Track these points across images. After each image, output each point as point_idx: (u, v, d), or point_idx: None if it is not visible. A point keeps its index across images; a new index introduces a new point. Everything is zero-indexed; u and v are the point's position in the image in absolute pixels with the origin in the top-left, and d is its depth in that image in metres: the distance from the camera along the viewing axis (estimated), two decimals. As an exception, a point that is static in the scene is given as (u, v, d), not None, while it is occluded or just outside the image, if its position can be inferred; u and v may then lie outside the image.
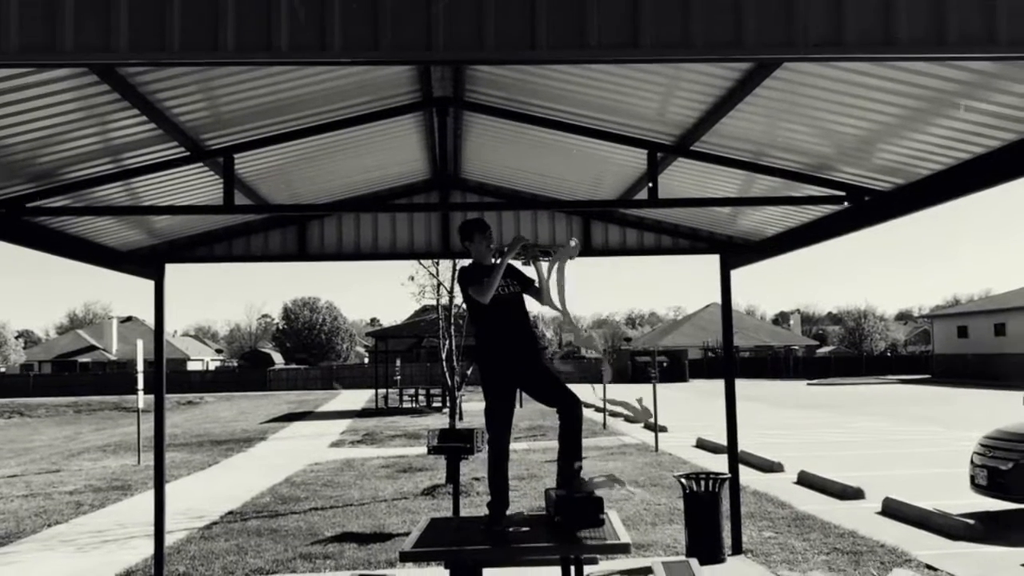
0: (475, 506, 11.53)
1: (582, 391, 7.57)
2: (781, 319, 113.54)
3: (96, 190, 6.46)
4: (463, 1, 3.21)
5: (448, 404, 18.99)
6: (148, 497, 13.02)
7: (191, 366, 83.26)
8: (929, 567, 8.35)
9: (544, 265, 6.32)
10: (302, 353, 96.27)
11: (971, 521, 9.71)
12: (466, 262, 6.60)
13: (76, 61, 3.33)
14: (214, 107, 5.55)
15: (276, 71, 5.06)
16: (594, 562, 6.65)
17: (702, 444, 19.50)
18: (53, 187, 6.13)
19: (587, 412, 29.64)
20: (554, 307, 6.20)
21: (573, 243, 6.30)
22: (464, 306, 6.59)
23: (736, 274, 9.38)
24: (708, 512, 8.75)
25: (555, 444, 6.26)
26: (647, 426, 23.85)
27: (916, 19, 3.24)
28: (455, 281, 15.33)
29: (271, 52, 3.21)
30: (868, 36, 3.25)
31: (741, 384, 21.51)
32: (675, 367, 63.71)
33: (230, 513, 12.36)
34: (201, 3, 3.18)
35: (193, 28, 3.17)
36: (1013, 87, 4.26)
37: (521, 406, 29.40)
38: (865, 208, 6.46)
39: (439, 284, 17.33)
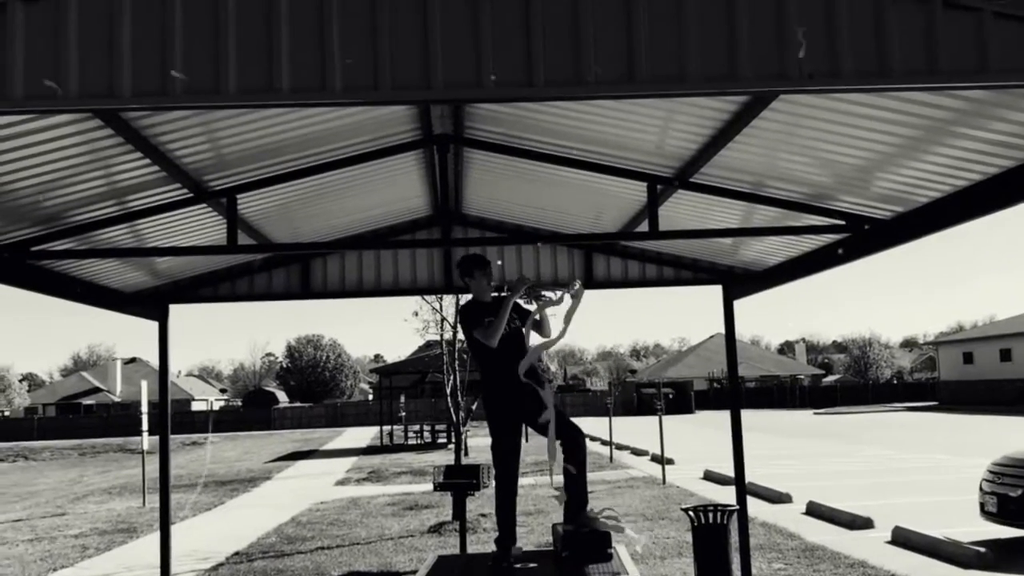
0: (482, 543, 11.45)
1: (585, 424, 7.54)
2: (786, 348, 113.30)
3: (100, 233, 6.50)
4: (461, 41, 3.25)
5: (453, 440, 18.92)
6: (154, 539, 12.95)
7: (195, 406, 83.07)
8: (941, 597, 8.28)
9: (549, 308, 6.33)
10: (307, 391, 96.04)
11: (982, 549, 9.62)
12: (466, 297, 6.61)
13: (80, 107, 3.38)
14: (216, 148, 5.60)
15: (277, 112, 5.11)
16: (603, 597, 6.59)
17: (709, 476, 19.39)
18: (58, 230, 6.17)
19: (593, 446, 29.16)
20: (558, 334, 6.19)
21: (577, 285, 6.29)
22: (467, 341, 6.58)
23: (740, 304, 9.39)
24: (717, 545, 8.66)
25: (561, 479, 6.24)
26: (654, 459, 23.73)
27: (909, 49, 3.28)
28: (457, 315, 15.34)
29: (272, 94, 3.25)
30: (862, 67, 3.29)
31: (747, 415, 21.46)
32: (681, 399, 63.51)
33: (236, 554, 12.28)
34: (202, 47, 3.22)
35: (195, 72, 3.22)
36: (1008, 115, 4.30)
37: (527, 440, 29.27)
38: (866, 237, 6.48)
39: (443, 319, 17.36)
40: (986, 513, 10.74)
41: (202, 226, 7.30)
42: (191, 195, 6.24)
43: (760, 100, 4.68)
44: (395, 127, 6.23)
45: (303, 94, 3.26)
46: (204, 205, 6.53)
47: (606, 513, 6.05)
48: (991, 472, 10.85)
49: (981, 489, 10.90)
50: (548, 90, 3.29)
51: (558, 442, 6.13)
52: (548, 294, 6.33)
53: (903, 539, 10.88)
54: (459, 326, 7.54)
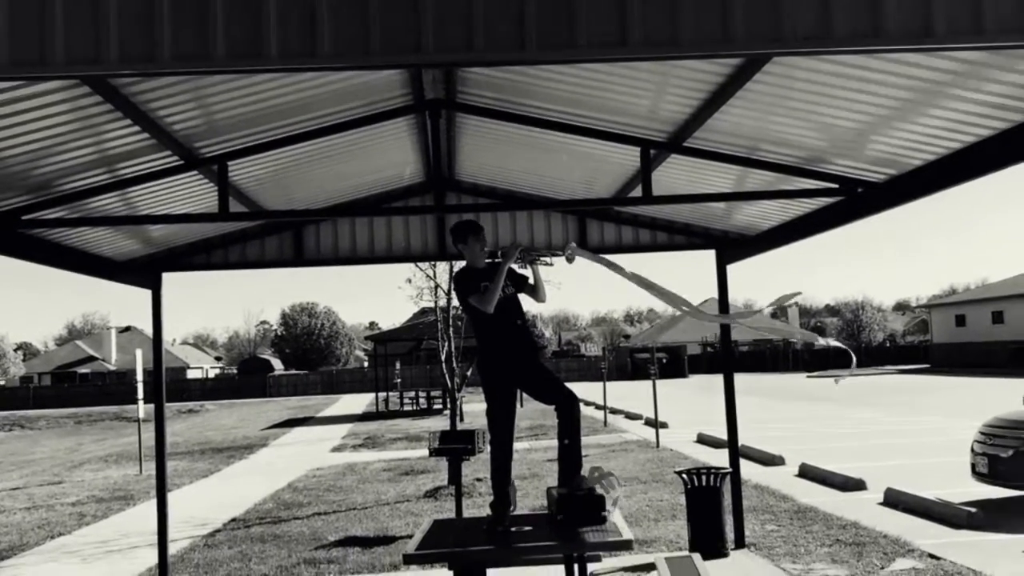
0: (478, 507, 11.54)
1: (580, 389, 7.56)
2: (779, 312, 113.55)
3: (91, 201, 6.47)
4: (452, 4, 3.22)
5: (449, 406, 19.01)
6: (151, 506, 13.01)
7: (191, 374, 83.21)
8: (932, 556, 8.36)
9: (541, 269, 6.32)
10: (302, 358, 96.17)
11: (973, 509, 9.73)
12: (460, 264, 6.60)
13: (67, 73, 3.34)
14: (207, 115, 5.56)
15: (267, 78, 5.07)
16: (597, 559, 6.67)
17: (703, 439, 19.52)
18: (49, 199, 6.13)
19: (587, 410, 29.33)
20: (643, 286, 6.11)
21: (572, 248, 6.28)
22: (462, 308, 6.59)
23: (733, 268, 9.40)
24: (710, 507, 8.76)
25: (556, 443, 6.27)
26: (648, 422, 23.87)
27: (903, 11, 3.25)
28: (451, 283, 15.35)
29: (261, 59, 3.22)
30: (856, 29, 3.26)
31: (740, 378, 21.60)
32: (674, 363, 63.84)
33: (233, 520, 12.36)
34: (190, 12, 3.18)
35: (182, 37, 3.18)
36: (1003, 76, 4.28)
37: (522, 406, 29.40)
38: (859, 200, 6.48)
39: (436, 286, 17.37)
40: (977, 474, 10.85)
41: (194, 194, 7.26)
42: (182, 162, 6.20)
43: (753, 63, 4.65)
44: (387, 92, 6.18)
45: (292, 59, 3.22)
46: (195, 172, 6.49)
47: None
48: (982, 433, 10.94)
49: (972, 450, 11.00)
50: (540, 53, 3.26)
51: (552, 407, 6.16)
52: (543, 258, 6.32)
53: (895, 500, 10.98)
54: (454, 293, 7.55)
